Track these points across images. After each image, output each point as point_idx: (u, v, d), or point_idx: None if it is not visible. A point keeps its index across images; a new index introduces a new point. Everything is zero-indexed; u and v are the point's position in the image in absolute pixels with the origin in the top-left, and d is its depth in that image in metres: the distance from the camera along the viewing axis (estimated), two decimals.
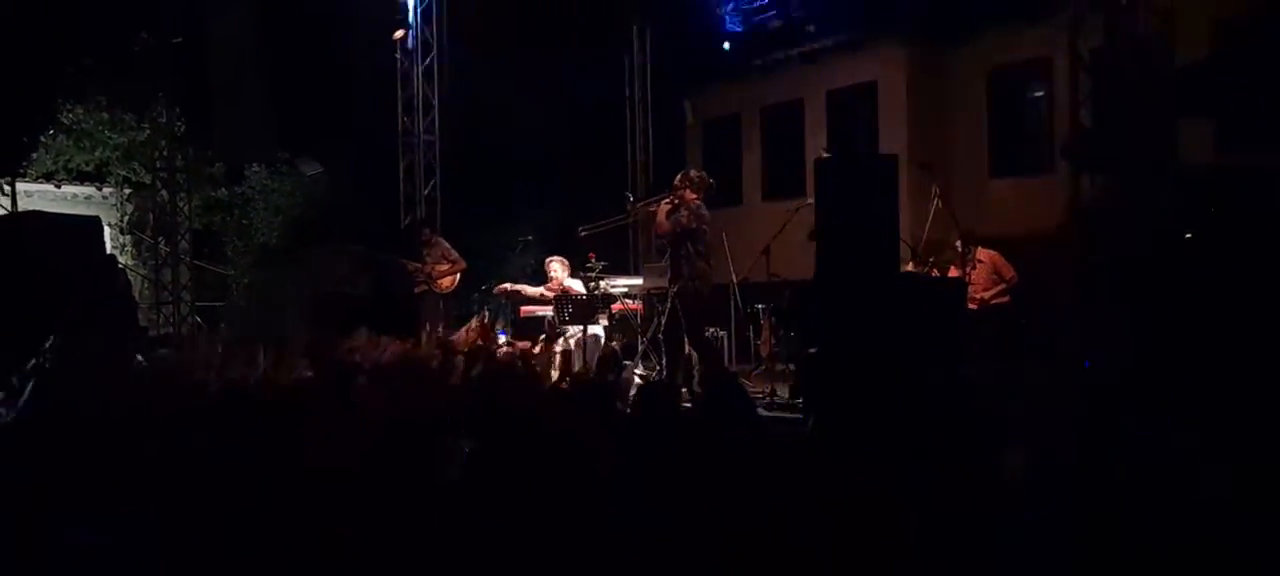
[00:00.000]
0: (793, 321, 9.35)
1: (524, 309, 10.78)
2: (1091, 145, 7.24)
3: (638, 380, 8.33)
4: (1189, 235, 7.57)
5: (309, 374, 5.02)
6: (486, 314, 11.07)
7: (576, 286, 9.85)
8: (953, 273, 8.95)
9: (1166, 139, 7.10)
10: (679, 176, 8.36)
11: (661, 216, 8.24)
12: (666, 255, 8.48)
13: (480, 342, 6.96)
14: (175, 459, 3.81)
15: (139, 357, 6.51)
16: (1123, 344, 6.95)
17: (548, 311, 10.03)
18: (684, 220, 8.08)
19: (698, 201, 8.17)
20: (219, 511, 3.49)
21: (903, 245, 7.68)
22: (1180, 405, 6.16)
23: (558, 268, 10.17)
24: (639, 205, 9.21)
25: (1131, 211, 7.08)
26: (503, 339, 7.51)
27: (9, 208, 15.54)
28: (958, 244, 9.00)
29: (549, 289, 10.17)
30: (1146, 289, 6.97)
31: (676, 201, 8.20)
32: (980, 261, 9.22)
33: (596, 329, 9.58)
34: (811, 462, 4.08)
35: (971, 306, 9.26)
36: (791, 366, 8.86)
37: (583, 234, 9.29)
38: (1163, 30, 7.01)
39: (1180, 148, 7.26)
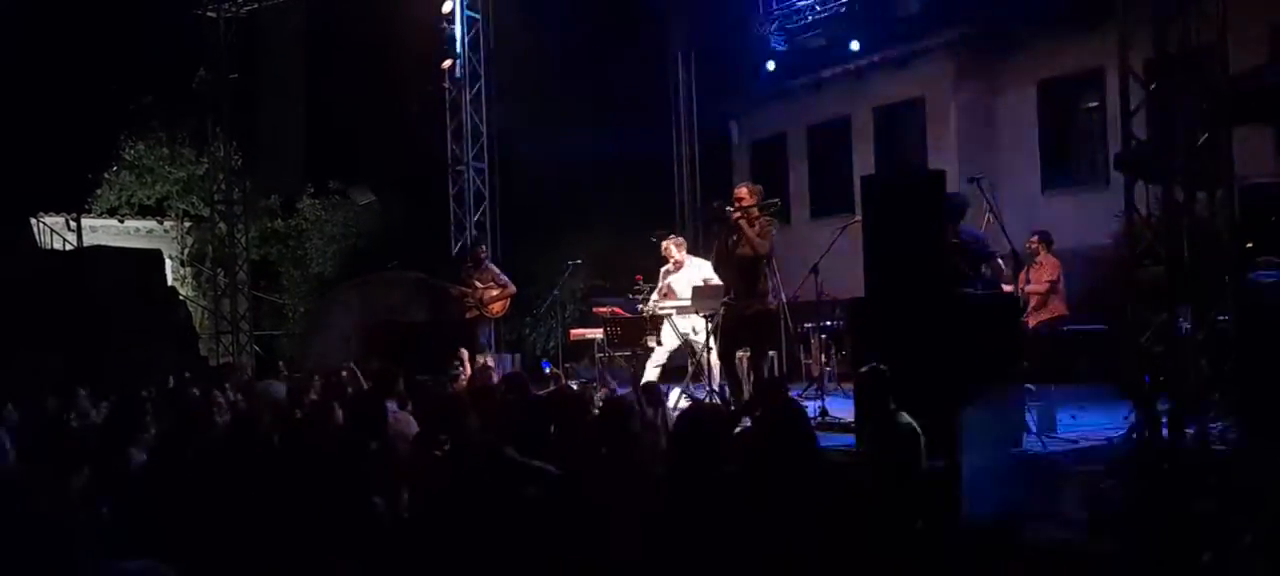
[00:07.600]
0: (844, 340, 9.26)
1: (574, 332, 10.81)
2: (1146, 157, 7.10)
3: (685, 403, 8.29)
4: (1250, 244, 7.41)
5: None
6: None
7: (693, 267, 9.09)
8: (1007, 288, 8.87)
9: (1223, 148, 6.95)
10: (745, 189, 7.84)
11: (756, 234, 7.59)
12: (738, 274, 7.77)
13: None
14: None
15: (194, 391, 6.60)
16: (1182, 357, 6.80)
17: (598, 334, 10.04)
18: (774, 235, 7.68)
19: (767, 218, 7.73)
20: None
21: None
22: (1246, 416, 6.03)
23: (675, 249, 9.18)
24: (718, 208, 8.32)
25: (1189, 223, 6.93)
26: (547, 370, 7.42)
27: (76, 243, 16.06)
28: (1033, 242, 9.05)
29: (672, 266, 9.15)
30: (1207, 301, 6.82)
31: (746, 216, 7.67)
32: (1041, 264, 9.25)
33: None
34: (864, 483, 4.06)
35: (1030, 322, 9.16)
36: (844, 387, 8.75)
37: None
38: (1216, 38, 6.87)
39: (1237, 156, 7.11)
